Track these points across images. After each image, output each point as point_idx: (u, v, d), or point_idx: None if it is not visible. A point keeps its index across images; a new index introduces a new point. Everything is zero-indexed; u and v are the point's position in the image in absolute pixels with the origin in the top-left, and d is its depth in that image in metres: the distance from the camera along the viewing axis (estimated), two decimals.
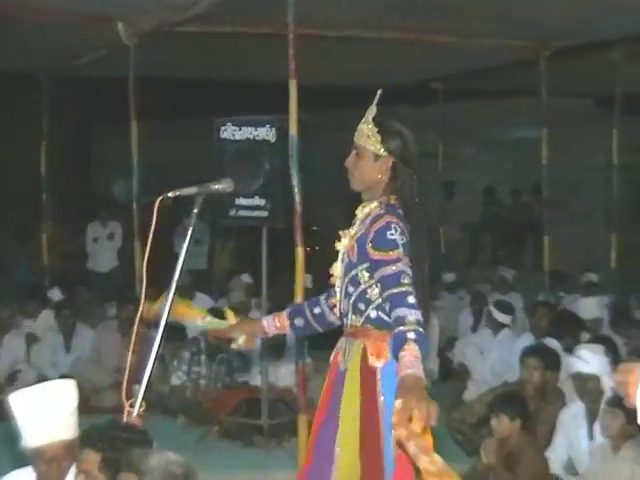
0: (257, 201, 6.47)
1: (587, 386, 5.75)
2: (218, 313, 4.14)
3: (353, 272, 3.65)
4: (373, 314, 3.63)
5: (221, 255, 13.59)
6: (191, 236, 3.75)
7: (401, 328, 3.31)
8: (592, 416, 5.74)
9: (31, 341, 9.25)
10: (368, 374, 3.61)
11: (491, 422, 5.63)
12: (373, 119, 3.71)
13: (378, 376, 3.59)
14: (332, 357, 3.80)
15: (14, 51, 9.44)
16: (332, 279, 3.81)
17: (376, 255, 3.53)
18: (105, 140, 16.73)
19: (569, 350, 7.36)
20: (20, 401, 3.76)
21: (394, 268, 3.47)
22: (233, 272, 11.67)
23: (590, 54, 9.73)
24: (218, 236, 13.26)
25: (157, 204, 3.66)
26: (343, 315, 3.73)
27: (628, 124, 10.55)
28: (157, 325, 5.62)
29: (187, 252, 3.75)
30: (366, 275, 3.60)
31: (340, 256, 3.75)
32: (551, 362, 6.46)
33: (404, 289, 3.41)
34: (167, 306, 3.64)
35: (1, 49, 9.30)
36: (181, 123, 16.06)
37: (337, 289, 3.78)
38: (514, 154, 16.08)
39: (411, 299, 3.38)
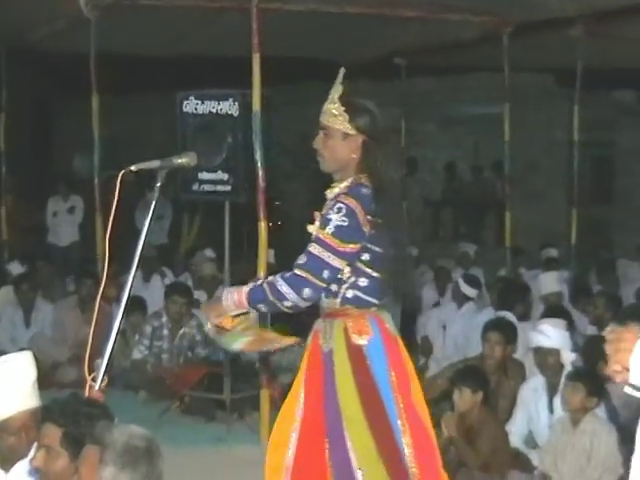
0: (220, 175, 6.44)
1: (548, 360, 5.82)
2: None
3: None
4: (349, 294, 3.64)
5: (190, 230, 13.54)
6: (153, 211, 3.71)
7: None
8: (552, 390, 5.80)
9: None
10: (356, 353, 3.60)
11: (453, 396, 5.67)
12: (339, 98, 3.67)
13: (365, 354, 3.60)
14: (310, 339, 3.76)
15: None
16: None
17: (316, 230, 3.57)
18: (65, 114, 16.58)
19: (523, 319, 7.46)
20: None
21: (310, 249, 3.52)
22: (196, 247, 11.64)
23: (551, 30, 9.75)
24: (184, 211, 13.21)
25: (119, 178, 3.63)
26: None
27: (589, 101, 10.61)
28: (118, 300, 5.60)
29: (149, 227, 3.71)
30: None
31: (313, 237, 3.71)
32: (511, 336, 6.52)
33: (293, 267, 3.51)
34: (130, 280, 3.61)
35: None
36: (142, 98, 15.94)
37: None
38: (475, 130, 16.13)
39: (287, 273, 3.49)
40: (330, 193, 3.72)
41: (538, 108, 14.89)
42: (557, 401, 5.71)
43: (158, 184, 3.70)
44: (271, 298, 3.49)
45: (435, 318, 8.63)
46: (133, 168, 3.76)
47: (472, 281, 8.54)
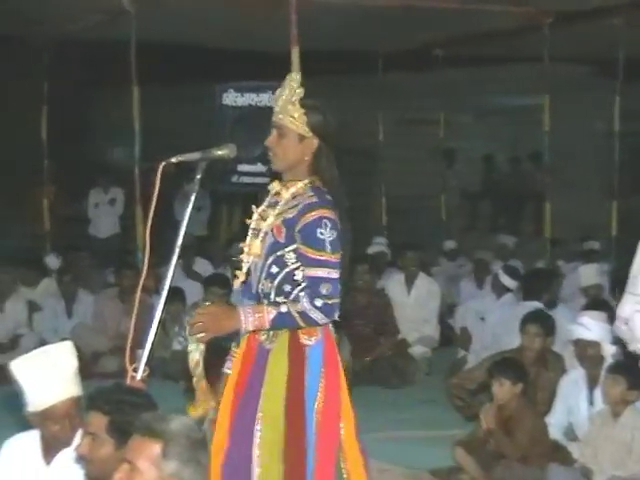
0: (259, 167, 6.50)
1: (588, 352, 5.79)
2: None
3: (279, 252, 3.59)
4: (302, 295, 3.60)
5: (229, 222, 13.56)
6: (193, 202, 3.73)
7: (290, 303, 3.51)
8: (592, 382, 5.77)
9: (33, 309, 9.29)
10: (296, 352, 3.58)
11: (493, 387, 5.67)
12: (299, 100, 3.64)
13: (306, 354, 3.59)
14: (245, 337, 3.68)
15: (15, 15, 9.39)
16: (243, 256, 3.71)
17: (303, 249, 3.53)
18: (106, 106, 16.67)
19: (551, 306, 7.43)
20: (22, 367, 3.78)
21: (319, 273, 3.50)
22: (234, 239, 11.68)
23: (592, 20, 9.68)
24: (223, 203, 13.25)
25: (160, 170, 3.65)
26: (262, 295, 3.63)
27: (629, 91, 10.51)
28: (157, 291, 5.62)
29: (189, 218, 3.73)
30: (293, 257, 3.57)
31: (260, 234, 3.66)
32: (550, 328, 6.50)
33: (319, 296, 3.49)
34: (170, 272, 3.63)
35: (2, 13, 9.24)
36: (182, 89, 16.00)
37: (251, 267, 3.69)
38: (513, 121, 16.03)
39: (318, 302, 3.48)
40: (285, 192, 3.67)
41: (578, 99, 14.75)
42: (597, 393, 5.68)
43: (198, 176, 3.70)
44: (301, 324, 3.52)
45: (473, 309, 8.61)
46: (174, 160, 3.78)
47: (512, 272, 8.51)
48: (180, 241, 3.66)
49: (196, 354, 3.63)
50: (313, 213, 3.53)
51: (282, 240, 3.58)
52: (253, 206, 3.80)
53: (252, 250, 3.67)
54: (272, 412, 3.55)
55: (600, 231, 11.65)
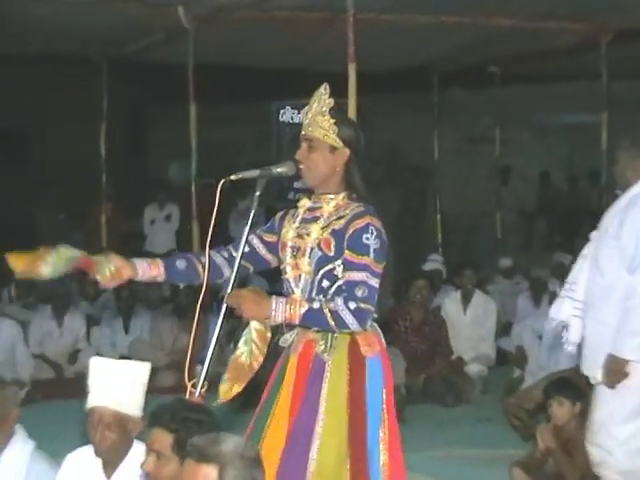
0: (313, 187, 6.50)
1: None
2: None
3: (329, 266, 3.57)
4: None
5: None
6: (252, 219, 3.74)
7: (324, 301, 3.46)
8: None
9: (91, 323, 9.40)
10: (357, 364, 3.56)
11: (551, 407, 5.61)
12: (329, 111, 3.61)
13: (366, 366, 3.56)
14: (299, 348, 3.65)
15: (75, 34, 9.53)
16: (288, 276, 3.68)
17: (347, 255, 3.51)
18: (162, 123, 16.86)
19: None
20: (99, 363, 3.88)
21: (358, 276, 3.47)
22: None
23: None
24: None
25: (219, 187, 3.66)
26: None
27: None
28: (212, 307, 5.63)
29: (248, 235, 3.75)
30: (341, 270, 3.55)
31: (307, 250, 3.62)
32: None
33: (353, 299, 3.45)
34: (229, 289, 3.65)
35: (62, 32, 9.39)
36: (239, 107, 16.12)
37: (296, 283, 3.65)
38: (570, 139, 15.92)
39: (351, 305, 3.44)
40: (326, 207, 3.66)
41: (636, 116, 14.62)
42: None
43: (257, 193, 3.71)
44: (331, 324, 3.47)
45: (531, 328, 8.53)
46: (233, 177, 3.80)
47: None
48: (239, 258, 3.68)
49: (247, 358, 3.63)
50: (361, 220, 3.52)
51: (331, 253, 3.56)
52: (282, 223, 3.80)
53: (301, 268, 3.64)
54: (334, 423, 3.52)
55: None
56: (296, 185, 6.67)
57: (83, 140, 13.09)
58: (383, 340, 3.68)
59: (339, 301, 3.47)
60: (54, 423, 6.94)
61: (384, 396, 3.60)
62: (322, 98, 3.65)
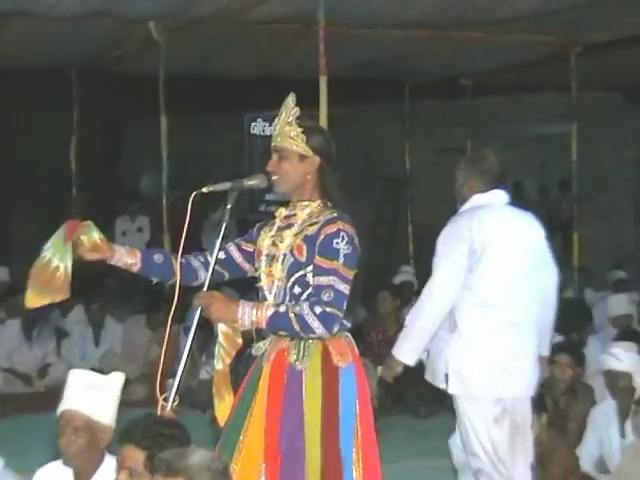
0: (287, 196, 6.49)
1: (619, 383, 5.73)
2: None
3: (301, 272, 3.56)
4: None
5: None
6: (224, 232, 3.73)
7: (291, 306, 3.48)
8: (624, 414, 5.71)
9: (61, 336, 9.33)
10: (330, 374, 3.55)
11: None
12: (296, 120, 3.63)
13: (339, 376, 3.56)
14: (272, 356, 3.64)
15: (46, 45, 9.49)
16: (262, 283, 3.68)
17: (317, 260, 3.51)
18: (133, 135, 16.81)
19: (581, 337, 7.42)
20: (76, 373, 3.87)
21: (325, 280, 3.47)
22: None
23: (620, 49, 9.67)
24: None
25: (191, 199, 3.66)
26: None
27: None
28: (184, 320, 5.60)
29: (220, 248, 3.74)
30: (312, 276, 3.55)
31: (279, 256, 3.63)
32: (581, 359, 6.44)
33: (319, 303, 3.45)
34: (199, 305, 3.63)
35: (33, 43, 9.35)
36: (210, 119, 16.11)
37: (269, 290, 3.66)
38: (542, 150, 16.00)
39: (317, 309, 3.43)
40: (300, 213, 3.67)
41: (606, 127, 14.72)
42: (629, 425, 5.62)
43: (229, 206, 3.71)
44: (297, 328, 3.46)
45: None
46: (204, 190, 3.79)
47: None
48: (211, 270, 3.67)
49: (219, 364, 3.65)
50: (332, 225, 3.52)
51: (303, 259, 3.56)
52: (259, 232, 3.80)
53: (274, 274, 3.64)
54: (312, 433, 3.51)
55: (629, 260, 11.57)
56: (267, 197, 6.65)
57: (54, 152, 13.02)
58: (356, 350, 3.67)
59: (304, 305, 3.47)
60: (24, 437, 6.89)
61: (357, 406, 3.57)
62: (289, 108, 3.67)
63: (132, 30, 8.97)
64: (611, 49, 9.59)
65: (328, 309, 3.44)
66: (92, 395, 3.70)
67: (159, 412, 3.50)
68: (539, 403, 5.56)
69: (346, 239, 3.49)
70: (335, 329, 3.49)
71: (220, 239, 3.70)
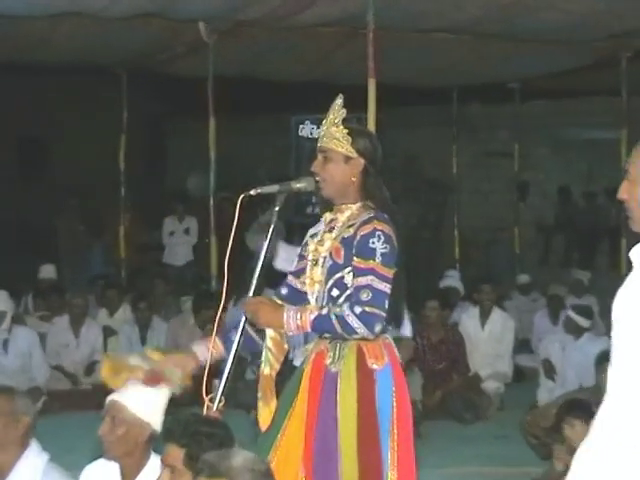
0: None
1: None
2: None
3: (339, 274, 3.58)
4: None
5: None
6: (272, 234, 3.75)
7: (332, 307, 3.50)
8: None
9: (108, 334, 9.41)
10: (365, 376, 3.55)
11: (564, 429, 5.56)
12: (342, 121, 3.63)
13: (375, 378, 3.55)
14: (312, 358, 3.67)
15: (97, 46, 9.58)
16: (304, 286, 3.71)
17: (355, 261, 3.52)
18: (181, 136, 16.92)
19: None
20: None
21: (363, 281, 3.47)
22: None
23: None
24: (297, 234, 13.23)
25: (239, 201, 3.67)
26: None
27: None
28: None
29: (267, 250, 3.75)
30: (351, 278, 3.55)
31: (320, 260, 3.65)
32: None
33: (358, 303, 3.46)
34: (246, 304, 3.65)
35: (84, 43, 9.45)
36: (258, 121, 16.18)
37: (312, 294, 3.68)
38: (589, 155, 15.88)
39: (357, 309, 3.44)
40: (341, 216, 3.66)
41: None
42: None
43: (277, 208, 3.72)
44: (339, 331, 3.48)
45: (557, 341, 8.44)
46: (252, 192, 3.82)
47: (584, 311, 8.35)
48: (258, 272, 3.69)
49: (267, 369, 3.66)
50: (368, 226, 3.53)
51: (341, 261, 3.57)
52: (308, 238, 3.81)
53: (314, 278, 3.67)
54: (347, 437, 3.52)
55: None
56: (314, 200, 6.65)
57: (103, 152, 13.16)
58: (396, 351, 3.66)
59: (345, 306, 3.49)
60: (70, 434, 6.96)
61: (394, 409, 3.56)
62: (336, 109, 3.67)
63: (181, 31, 9.03)
64: None
65: (368, 308, 3.45)
66: (138, 390, 3.74)
67: (205, 412, 3.53)
68: (584, 412, 5.52)
69: (383, 238, 3.49)
70: (377, 328, 3.48)
71: (268, 240, 3.71)
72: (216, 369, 4.07)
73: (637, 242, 2.67)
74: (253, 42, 9.42)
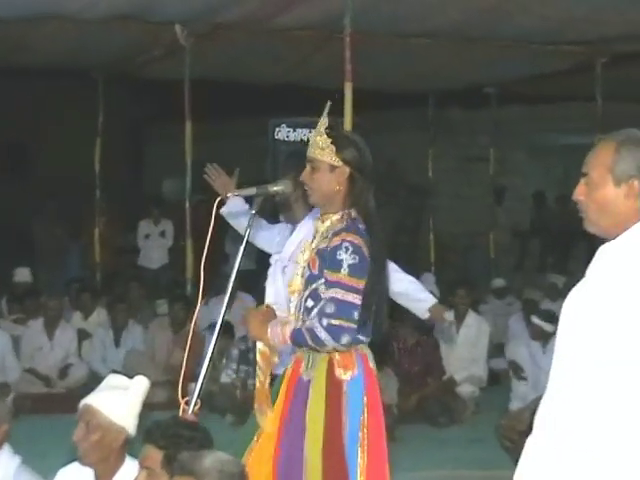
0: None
1: None
2: None
3: (314, 285, 3.59)
4: None
5: None
6: (247, 237, 3.75)
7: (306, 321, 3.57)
8: None
9: (83, 337, 9.37)
10: (334, 387, 3.57)
11: None
12: (325, 130, 3.64)
13: (344, 389, 3.57)
14: (291, 365, 3.73)
15: (73, 49, 9.55)
16: (288, 294, 3.77)
17: (325, 273, 3.54)
18: (157, 139, 16.89)
19: None
20: (110, 377, 3.92)
21: (328, 293, 3.50)
22: None
23: None
24: None
25: (215, 204, 3.68)
26: None
27: None
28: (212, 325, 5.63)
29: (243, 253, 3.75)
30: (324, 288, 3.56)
31: (299, 269, 3.69)
32: None
33: (324, 315, 3.50)
34: (224, 306, 3.66)
35: (61, 46, 9.41)
36: (234, 124, 16.16)
37: (292, 302, 3.72)
38: (565, 160, 15.96)
39: (324, 321, 3.47)
40: (321, 226, 3.68)
41: None
42: None
43: (253, 211, 3.74)
44: (311, 343, 3.53)
45: (523, 345, 8.48)
46: (229, 195, 3.81)
47: (548, 317, 8.38)
48: (234, 276, 3.69)
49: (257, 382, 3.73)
50: (337, 238, 3.54)
51: (316, 272, 3.59)
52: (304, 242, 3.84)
53: (294, 287, 3.70)
54: (313, 446, 3.55)
55: None
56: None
57: (79, 155, 13.10)
58: (370, 360, 3.66)
59: (315, 319, 3.53)
60: (42, 438, 6.92)
61: (364, 418, 3.58)
62: (322, 118, 3.68)
63: (158, 34, 9.01)
64: (637, 60, 9.55)
65: (334, 321, 3.48)
66: (111, 394, 3.73)
67: (180, 415, 3.53)
68: None
69: (350, 249, 3.50)
70: (344, 340, 3.50)
71: (244, 243, 3.71)
72: (191, 373, 4.07)
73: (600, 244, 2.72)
74: (230, 45, 9.41)
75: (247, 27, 8.60)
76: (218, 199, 3.71)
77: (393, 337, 8.36)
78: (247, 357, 8.27)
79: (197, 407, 3.56)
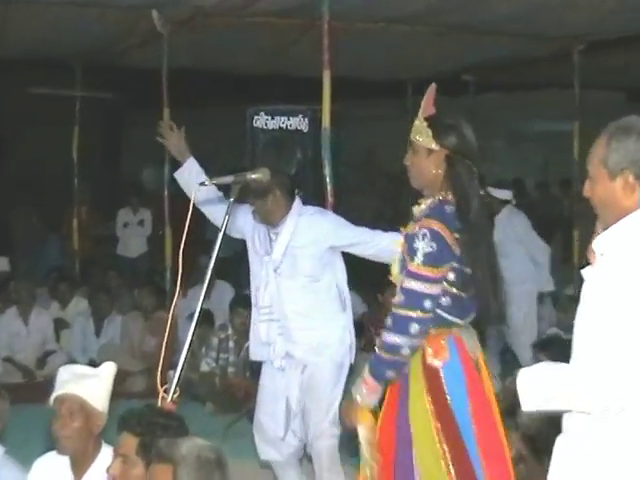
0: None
1: None
2: None
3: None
4: None
5: None
6: (226, 225, 3.74)
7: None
8: None
9: (61, 327, 9.35)
10: (431, 373, 3.54)
11: (520, 416, 5.59)
12: (422, 114, 3.68)
13: (441, 376, 3.54)
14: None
15: (49, 36, 9.48)
16: (392, 278, 3.74)
17: (406, 261, 3.55)
18: (136, 127, 16.81)
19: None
20: (66, 368, 3.94)
21: (402, 282, 3.51)
22: None
23: (624, 48, 9.66)
24: None
25: (194, 192, 3.67)
26: None
27: None
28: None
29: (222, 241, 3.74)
30: None
31: (398, 256, 3.69)
32: (566, 354, 6.41)
33: (393, 310, 3.52)
34: (202, 294, 3.65)
35: (37, 34, 9.34)
36: (213, 112, 16.11)
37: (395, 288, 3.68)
38: (544, 147, 16.01)
39: (389, 318, 3.50)
40: (417, 210, 3.69)
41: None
42: None
43: (232, 199, 3.73)
44: (388, 358, 3.49)
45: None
46: (207, 183, 3.81)
47: None
48: (212, 264, 3.68)
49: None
50: (416, 225, 3.56)
51: (407, 257, 3.58)
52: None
53: (393, 273, 3.70)
54: (423, 434, 3.51)
55: None
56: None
57: (57, 144, 13.03)
58: (466, 346, 3.61)
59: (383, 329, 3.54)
60: (21, 427, 6.89)
61: (469, 404, 3.54)
62: (423, 102, 3.72)
63: (136, 22, 8.95)
64: (614, 47, 9.58)
65: (397, 311, 3.48)
66: (84, 381, 3.75)
67: (159, 404, 3.53)
68: None
69: (428, 237, 3.48)
70: (415, 330, 3.46)
71: (222, 232, 3.71)
72: (170, 361, 4.07)
73: (591, 234, 2.73)
74: (208, 33, 9.36)
75: (224, 13, 8.56)
76: (196, 187, 3.70)
77: (371, 322, 8.35)
78: (227, 346, 8.28)
79: (176, 395, 3.56)
